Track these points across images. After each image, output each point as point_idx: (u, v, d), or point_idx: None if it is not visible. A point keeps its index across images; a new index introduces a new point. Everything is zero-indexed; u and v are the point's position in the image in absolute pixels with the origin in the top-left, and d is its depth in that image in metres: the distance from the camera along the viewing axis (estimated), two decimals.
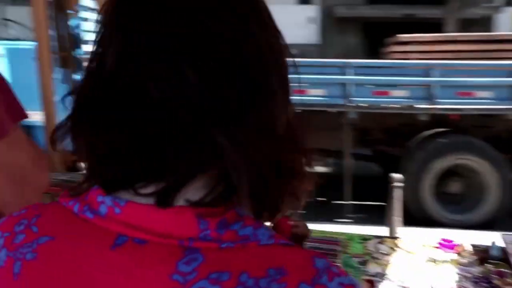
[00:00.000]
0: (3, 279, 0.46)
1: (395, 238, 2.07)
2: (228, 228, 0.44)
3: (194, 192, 0.44)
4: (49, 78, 2.17)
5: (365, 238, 1.87)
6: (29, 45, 5.43)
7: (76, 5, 1.96)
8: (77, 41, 2.05)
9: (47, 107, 2.57)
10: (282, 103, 0.48)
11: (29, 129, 5.46)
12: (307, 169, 0.52)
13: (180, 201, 0.44)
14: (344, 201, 5.98)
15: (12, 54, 5.43)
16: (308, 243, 1.73)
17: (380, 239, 1.89)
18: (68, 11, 1.90)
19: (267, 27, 0.50)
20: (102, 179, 0.45)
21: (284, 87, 0.50)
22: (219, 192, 0.44)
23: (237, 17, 0.46)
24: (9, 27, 5.78)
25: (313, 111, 5.47)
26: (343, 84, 5.70)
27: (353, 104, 5.71)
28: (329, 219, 5.31)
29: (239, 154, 0.43)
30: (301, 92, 5.68)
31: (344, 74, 5.75)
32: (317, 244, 1.73)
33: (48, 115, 2.54)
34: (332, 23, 14.57)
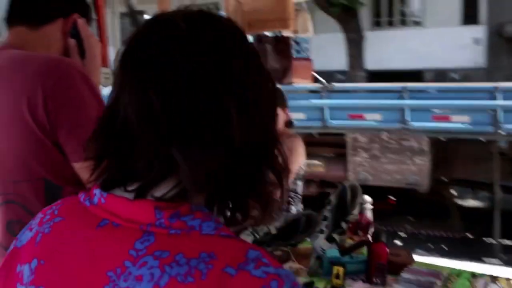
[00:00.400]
0: (29, 245, 0.64)
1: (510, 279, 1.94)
2: (179, 218, 0.57)
3: (160, 190, 0.57)
4: None
5: (474, 275, 1.80)
6: None
7: None
8: None
9: None
10: (241, 125, 0.57)
11: None
12: (274, 181, 0.61)
13: (148, 197, 0.58)
14: (494, 238, 5.53)
15: None
16: (406, 272, 1.74)
17: (494, 278, 1.80)
18: None
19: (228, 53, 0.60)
20: (103, 179, 0.61)
21: (245, 111, 0.58)
22: (177, 192, 0.57)
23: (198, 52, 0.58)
24: None
25: (460, 140, 5.23)
26: (492, 110, 5.32)
27: (503, 132, 5.29)
28: (477, 257, 4.97)
29: (190, 167, 0.55)
30: (444, 119, 5.50)
31: (493, 99, 5.37)
32: (415, 275, 1.72)
33: None
34: (501, 43, 13.41)
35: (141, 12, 9.49)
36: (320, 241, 1.89)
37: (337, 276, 1.70)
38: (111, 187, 0.60)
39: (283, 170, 0.62)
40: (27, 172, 1.04)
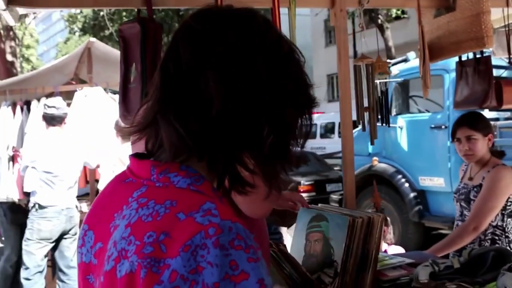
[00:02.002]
0: (96, 203, 0.80)
1: None
2: (165, 175, 0.69)
3: (160, 154, 0.73)
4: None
5: None
6: (425, 116, 6.08)
7: (388, 67, 2.24)
8: (386, 99, 2.32)
9: None
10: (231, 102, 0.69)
11: (427, 193, 6.08)
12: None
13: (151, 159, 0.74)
14: None
15: (411, 126, 6.15)
16: None
17: None
18: (380, 73, 2.19)
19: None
20: (146, 151, 0.77)
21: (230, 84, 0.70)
22: (172, 155, 0.71)
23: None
24: (415, 102, 6.56)
25: None
26: None
27: None
28: None
29: (167, 133, 0.71)
30: None
31: None
32: None
33: None
34: None
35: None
36: (507, 280, 1.64)
37: None
38: (150, 156, 0.76)
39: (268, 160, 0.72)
40: None
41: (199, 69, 0.69)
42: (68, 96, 4.96)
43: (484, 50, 2.36)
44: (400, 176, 6.19)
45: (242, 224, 0.64)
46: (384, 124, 2.42)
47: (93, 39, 5.40)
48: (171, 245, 0.60)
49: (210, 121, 0.68)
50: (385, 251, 3.18)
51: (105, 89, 5.25)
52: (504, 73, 3.16)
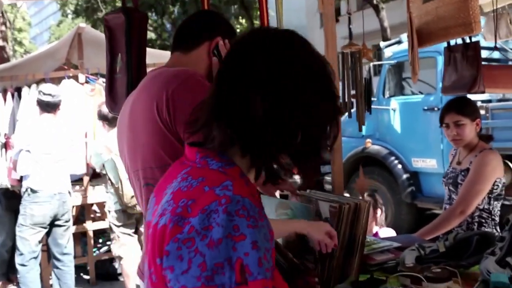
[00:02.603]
0: (162, 177, 1.02)
1: None
2: (205, 159, 0.90)
3: (209, 146, 0.90)
4: None
5: None
6: (418, 98, 6.09)
7: (373, 54, 2.24)
8: (369, 87, 2.33)
9: None
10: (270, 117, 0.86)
11: (419, 175, 6.14)
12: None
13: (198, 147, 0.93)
14: None
15: (404, 108, 6.16)
16: None
17: None
18: (364, 60, 2.20)
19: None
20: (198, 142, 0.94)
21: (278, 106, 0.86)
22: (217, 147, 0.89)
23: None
24: (409, 84, 6.57)
25: None
26: None
27: None
28: None
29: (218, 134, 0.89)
30: None
31: None
32: None
33: None
34: None
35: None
36: (489, 264, 1.67)
37: None
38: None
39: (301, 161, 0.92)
40: (158, 160, 1.31)
41: (247, 86, 0.87)
42: (59, 82, 4.95)
43: (473, 35, 2.37)
44: (393, 158, 6.23)
45: (251, 200, 0.81)
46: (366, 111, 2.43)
47: (83, 25, 5.35)
48: (194, 208, 0.80)
49: (255, 129, 0.86)
50: (376, 233, 3.22)
51: (96, 74, 5.24)
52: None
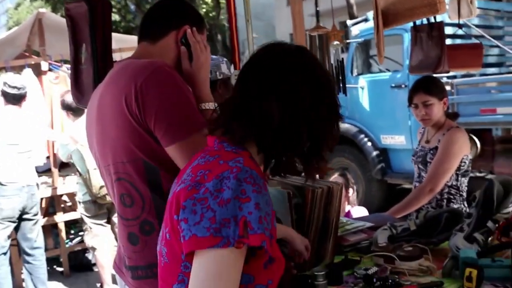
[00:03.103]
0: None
1: None
2: (222, 144, 1.05)
3: (227, 134, 1.05)
4: None
5: None
6: (386, 76, 6.16)
7: (342, 36, 2.26)
8: (342, 69, 2.35)
9: None
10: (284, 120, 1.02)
11: (389, 151, 6.24)
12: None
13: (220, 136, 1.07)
14: None
15: (372, 86, 6.23)
16: None
17: None
18: (335, 43, 2.21)
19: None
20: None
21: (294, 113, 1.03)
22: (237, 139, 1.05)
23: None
24: (376, 62, 6.63)
25: None
26: None
27: None
28: None
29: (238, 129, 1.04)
30: None
31: None
32: None
33: None
34: None
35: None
36: (458, 240, 1.73)
37: (469, 279, 1.54)
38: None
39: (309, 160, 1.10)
40: (129, 154, 1.28)
41: (265, 93, 1.03)
42: (20, 70, 4.79)
43: (438, 15, 2.39)
44: (362, 136, 6.32)
45: (258, 173, 0.97)
46: (341, 93, 2.44)
47: (43, 10, 5.16)
48: (210, 176, 0.95)
49: (271, 130, 1.02)
50: (348, 212, 3.27)
51: (60, 61, 5.09)
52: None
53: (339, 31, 2.28)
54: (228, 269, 0.90)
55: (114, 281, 4.27)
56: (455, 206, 2.40)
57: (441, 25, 2.44)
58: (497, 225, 1.76)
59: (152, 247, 1.32)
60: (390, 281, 1.61)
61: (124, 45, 4.85)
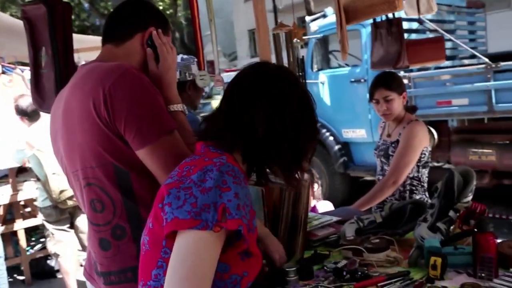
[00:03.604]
0: None
1: None
2: (208, 148, 1.14)
3: (215, 140, 1.15)
4: None
5: None
6: (345, 70, 6.27)
7: (303, 35, 2.29)
8: (302, 66, 2.38)
9: None
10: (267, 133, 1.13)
11: (350, 145, 6.35)
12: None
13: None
14: None
15: (332, 81, 6.32)
16: None
17: None
18: (296, 41, 2.24)
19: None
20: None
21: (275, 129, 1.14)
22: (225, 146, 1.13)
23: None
24: (335, 57, 6.74)
25: None
26: None
27: None
28: None
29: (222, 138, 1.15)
30: None
31: None
32: None
33: None
34: None
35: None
36: (422, 230, 1.79)
37: (434, 267, 1.60)
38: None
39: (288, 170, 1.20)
40: (99, 159, 1.26)
41: (250, 107, 1.12)
42: None
43: (396, 12, 2.46)
44: (324, 130, 6.41)
45: (240, 170, 1.06)
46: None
47: None
48: (195, 170, 1.03)
49: (255, 141, 1.12)
50: (314, 207, 3.33)
51: (14, 63, 4.92)
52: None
53: (300, 29, 2.31)
54: (205, 249, 0.96)
55: (80, 287, 4.18)
56: (417, 197, 2.48)
57: (399, 21, 2.51)
58: (458, 214, 1.83)
59: (125, 251, 1.31)
60: (359, 273, 1.65)
61: (80, 45, 4.74)
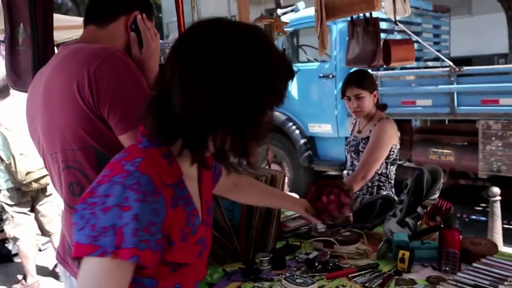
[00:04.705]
0: None
1: None
2: (142, 138, 0.99)
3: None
4: None
5: None
6: (314, 65, 6.33)
7: (285, 27, 2.31)
8: None
9: None
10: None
11: (316, 139, 6.44)
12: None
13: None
14: None
15: (300, 75, 6.37)
16: (479, 263, 1.64)
17: None
18: (278, 33, 2.26)
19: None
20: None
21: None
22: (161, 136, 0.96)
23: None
24: (305, 52, 6.79)
25: None
26: None
27: None
28: None
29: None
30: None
31: None
32: (488, 266, 1.61)
33: None
34: None
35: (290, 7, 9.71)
36: (391, 224, 1.86)
37: (402, 260, 1.66)
38: None
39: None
40: (80, 142, 1.25)
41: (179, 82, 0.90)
42: None
43: (374, 12, 2.52)
44: (291, 124, 6.47)
45: (152, 177, 0.90)
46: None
47: None
48: (106, 178, 0.90)
49: (176, 118, 0.91)
50: None
51: None
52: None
53: (282, 22, 2.33)
54: (108, 277, 0.85)
55: (39, 272, 4.09)
56: (384, 192, 2.56)
57: (376, 20, 2.56)
58: (425, 210, 1.91)
59: None
60: (330, 264, 1.70)
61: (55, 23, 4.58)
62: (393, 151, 2.58)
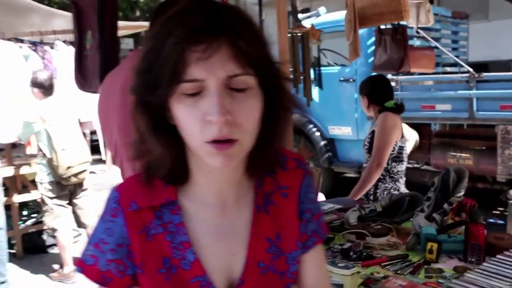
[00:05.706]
0: None
1: None
2: None
3: None
4: None
5: None
6: (335, 69, 6.46)
7: (320, 35, 2.47)
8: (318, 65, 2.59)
9: None
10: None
11: (335, 141, 6.55)
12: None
13: None
14: None
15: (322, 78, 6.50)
16: (503, 255, 1.77)
17: None
18: (313, 40, 2.42)
19: None
20: None
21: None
22: None
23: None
24: (325, 56, 6.92)
25: None
26: None
27: None
28: None
29: None
30: None
31: None
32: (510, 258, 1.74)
33: None
34: None
35: (306, 10, 9.82)
36: (420, 219, 2.00)
37: (431, 251, 1.81)
38: None
39: None
40: None
41: None
42: None
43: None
44: (311, 126, 6.61)
45: (121, 197, 0.85)
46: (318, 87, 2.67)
47: None
48: None
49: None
50: None
51: (12, 39, 4.94)
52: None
53: (317, 30, 2.49)
54: None
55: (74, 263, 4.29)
56: (384, 185, 2.72)
57: (404, 29, 2.72)
58: (451, 207, 2.05)
59: None
60: (364, 254, 1.85)
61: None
62: (395, 147, 2.73)
